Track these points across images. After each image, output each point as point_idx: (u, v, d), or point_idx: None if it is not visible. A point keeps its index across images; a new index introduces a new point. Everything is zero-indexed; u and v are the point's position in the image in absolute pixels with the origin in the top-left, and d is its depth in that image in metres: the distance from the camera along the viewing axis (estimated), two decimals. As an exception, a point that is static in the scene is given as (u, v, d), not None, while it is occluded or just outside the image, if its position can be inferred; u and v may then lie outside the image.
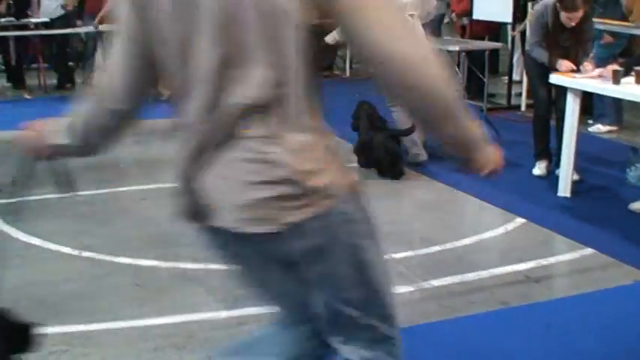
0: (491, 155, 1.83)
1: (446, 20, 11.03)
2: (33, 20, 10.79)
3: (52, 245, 4.66)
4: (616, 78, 5.12)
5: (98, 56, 10.63)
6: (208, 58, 1.64)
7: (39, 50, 10.85)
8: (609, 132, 7.67)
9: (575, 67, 5.56)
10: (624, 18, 7.62)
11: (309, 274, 1.78)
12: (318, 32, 1.66)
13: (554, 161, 5.93)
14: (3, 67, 11.45)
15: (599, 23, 6.94)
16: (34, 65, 11.31)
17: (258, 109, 1.64)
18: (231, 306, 3.76)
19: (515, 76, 9.59)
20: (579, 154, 5.57)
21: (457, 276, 4.04)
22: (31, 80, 11.07)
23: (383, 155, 6.00)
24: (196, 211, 1.88)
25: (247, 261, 1.91)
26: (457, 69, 9.02)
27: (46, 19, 10.70)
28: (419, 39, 1.63)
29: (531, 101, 6.89)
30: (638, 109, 7.78)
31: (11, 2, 10.68)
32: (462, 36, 10.05)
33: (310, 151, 1.67)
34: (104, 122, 1.97)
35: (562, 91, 5.60)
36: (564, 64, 5.58)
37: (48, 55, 10.98)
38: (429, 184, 5.98)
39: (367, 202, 1.81)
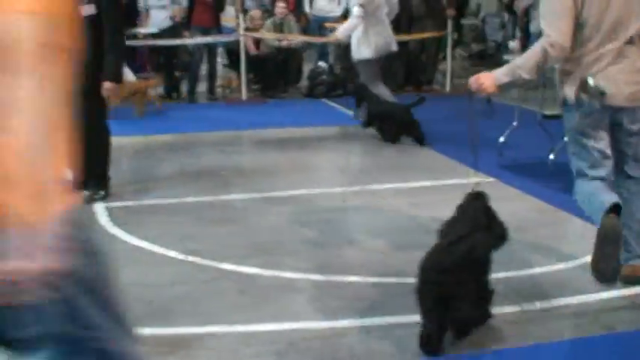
0: None
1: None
2: (141, 31, 11.19)
3: (159, 249, 4.82)
4: None
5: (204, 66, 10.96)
6: None
7: (147, 60, 11.21)
8: None
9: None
10: None
11: None
12: None
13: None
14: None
15: None
16: (141, 74, 11.73)
17: None
18: (331, 317, 3.81)
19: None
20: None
21: (561, 299, 3.97)
22: (138, 89, 11.49)
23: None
24: None
25: None
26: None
27: (154, 30, 11.07)
28: None
29: None
30: None
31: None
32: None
33: None
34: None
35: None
36: None
37: (155, 65, 11.34)
38: (527, 201, 5.90)
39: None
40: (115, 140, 7.41)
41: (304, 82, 12.00)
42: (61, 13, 1.27)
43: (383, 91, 8.40)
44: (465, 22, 16.69)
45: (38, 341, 1.41)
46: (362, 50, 8.25)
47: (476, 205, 3.60)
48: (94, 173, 5.85)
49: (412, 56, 12.06)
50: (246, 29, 11.26)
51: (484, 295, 3.54)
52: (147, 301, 4.02)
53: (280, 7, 11.78)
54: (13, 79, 1.22)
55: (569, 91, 3.99)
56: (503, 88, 4.03)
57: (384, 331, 3.68)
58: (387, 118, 8.13)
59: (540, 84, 7.00)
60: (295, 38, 11.90)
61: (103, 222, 5.34)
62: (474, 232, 3.43)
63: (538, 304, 3.98)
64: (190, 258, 4.64)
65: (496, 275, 4.19)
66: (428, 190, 6.07)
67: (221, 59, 11.76)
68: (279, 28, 11.74)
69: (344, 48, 10.37)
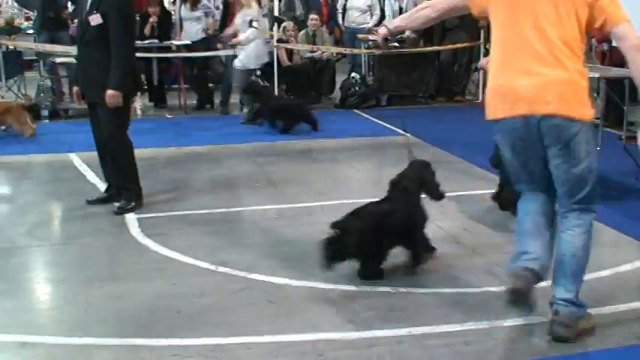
0: None
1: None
2: (175, 42, 11.28)
3: (189, 259, 4.83)
4: None
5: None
6: None
7: (180, 72, 11.30)
8: None
9: None
10: None
11: None
12: None
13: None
14: (146, 87, 11.99)
15: None
16: (175, 86, 11.83)
17: None
18: (361, 327, 3.79)
19: (658, 104, 9.21)
20: None
21: (592, 309, 3.90)
22: (171, 100, 11.60)
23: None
24: None
25: None
26: (596, 95, 8.75)
27: (188, 42, 11.15)
28: None
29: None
30: None
31: (155, 25, 11.19)
32: (602, 62, 9.76)
33: None
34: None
35: None
36: None
37: (188, 76, 11.43)
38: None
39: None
40: (147, 151, 7.47)
41: (337, 93, 12.00)
42: None
43: None
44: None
45: None
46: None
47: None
48: (127, 183, 5.89)
49: (445, 67, 12.02)
50: (279, 40, 11.30)
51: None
52: (176, 311, 4.03)
53: (313, 20, 11.83)
54: None
55: None
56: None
57: (415, 341, 3.65)
58: (283, 112, 9.48)
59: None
60: (327, 49, 11.93)
61: (134, 232, 5.37)
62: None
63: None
64: (220, 269, 4.64)
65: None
66: (457, 199, 6.01)
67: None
68: (311, 39, 11.77)
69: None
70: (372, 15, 12.75)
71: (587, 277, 4.40)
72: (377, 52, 9.84)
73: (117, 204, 5.87)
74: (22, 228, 5.57)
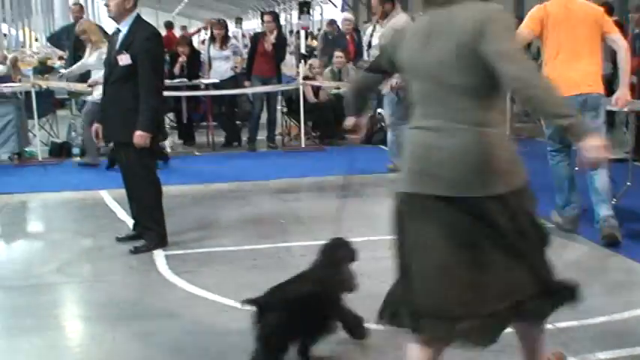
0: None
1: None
2: (204, 81, 11.42)
3: (216, 297, 4.84)
4: None
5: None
6: None
7: (209, 109, 11.43)
8: None
9: None
10: None
11: None
12: None
13: None
14: (175, 125, 12.14)
15: None
16: (203, 123, 11.96)
17: None
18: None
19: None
20: None
21: (625, 349, 3.84)
22: (200, 138, 11.70)
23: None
24: None
25: None
26: (625, 129, 8.69)
27: (216, 80, 11.28)
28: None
29: None
30: None
31: (184, 65, 11.36)
32: (632, 95, 9.68)
33: None
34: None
35: None
36: None
37: (217, 114, 11.54)
38: (585, 247, 5.76)
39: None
40: (174, 188, 7.51)
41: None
42: None
43: None
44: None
45: None
46: None
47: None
48: (148, 223, 5.92)
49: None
50: (305, 77, 11.39)
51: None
52: (203, 348, 4.03)
53: (338, 57, 11.91)
54: None
55: None
56: None
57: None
58: None
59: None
60: (354, 86, 11.96)
61: (162, 270, 5.40)
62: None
63: (601, 355, 3.85)
64: (247, 306, 4.63)
65: (559, 324, 4.09)
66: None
67: (280, 107, 11.88)
68: (337, 76, 11.85)
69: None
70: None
71: (618, 315, 4.36)
72: (402, 93, 9.86)
73: (142, 241, 5.89)
74: (52, 265, 5.63)
